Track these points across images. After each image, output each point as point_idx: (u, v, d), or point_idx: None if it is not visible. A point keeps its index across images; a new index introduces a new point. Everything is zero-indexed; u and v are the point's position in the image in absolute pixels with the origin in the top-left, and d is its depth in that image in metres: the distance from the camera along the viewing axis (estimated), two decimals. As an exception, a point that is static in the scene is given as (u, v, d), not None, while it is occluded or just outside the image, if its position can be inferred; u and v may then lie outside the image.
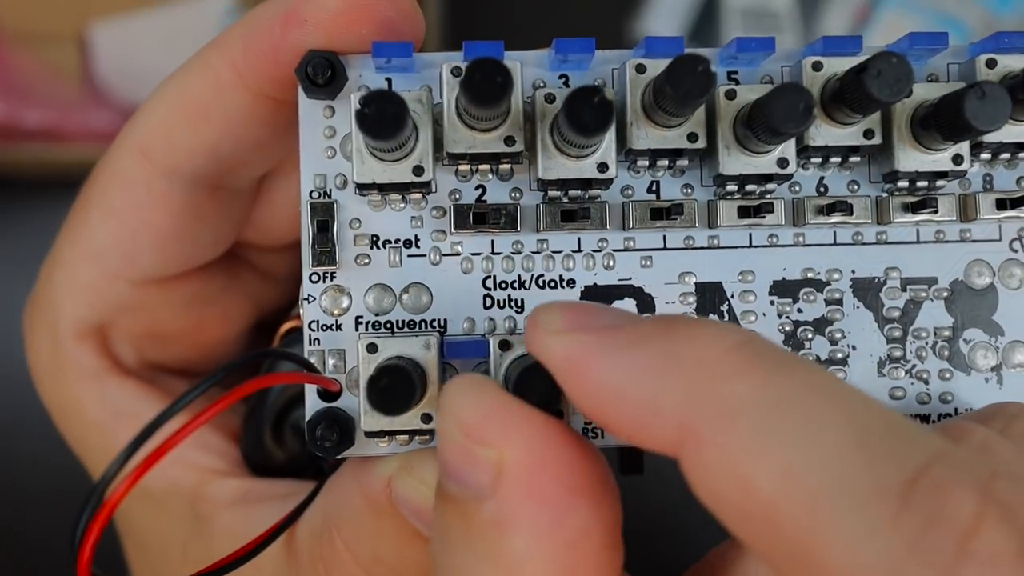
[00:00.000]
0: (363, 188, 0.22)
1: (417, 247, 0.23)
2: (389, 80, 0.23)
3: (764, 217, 0.23)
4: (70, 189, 0.28)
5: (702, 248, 0.24)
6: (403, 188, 0.22)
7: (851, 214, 0.23)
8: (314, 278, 0.23)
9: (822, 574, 0.15)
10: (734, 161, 0.22)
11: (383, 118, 0.19)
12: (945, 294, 0.24)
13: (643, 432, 0.17)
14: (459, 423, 0.18)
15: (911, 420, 0.16)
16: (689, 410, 0.16)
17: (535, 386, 0.19)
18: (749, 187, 0.23)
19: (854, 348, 0.24)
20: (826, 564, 0.15)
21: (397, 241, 0.23)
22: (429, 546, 0.20)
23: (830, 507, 0.15)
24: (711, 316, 0.23)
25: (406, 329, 0.23)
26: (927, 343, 0.24)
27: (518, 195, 0.23)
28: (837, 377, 0.17)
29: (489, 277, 0.23)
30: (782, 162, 0.22)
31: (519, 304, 0.23)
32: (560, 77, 0.23)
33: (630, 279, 0.23)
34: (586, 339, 0.18)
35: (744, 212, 0.23)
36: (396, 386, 0.20)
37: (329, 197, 0.23)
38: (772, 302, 0.24)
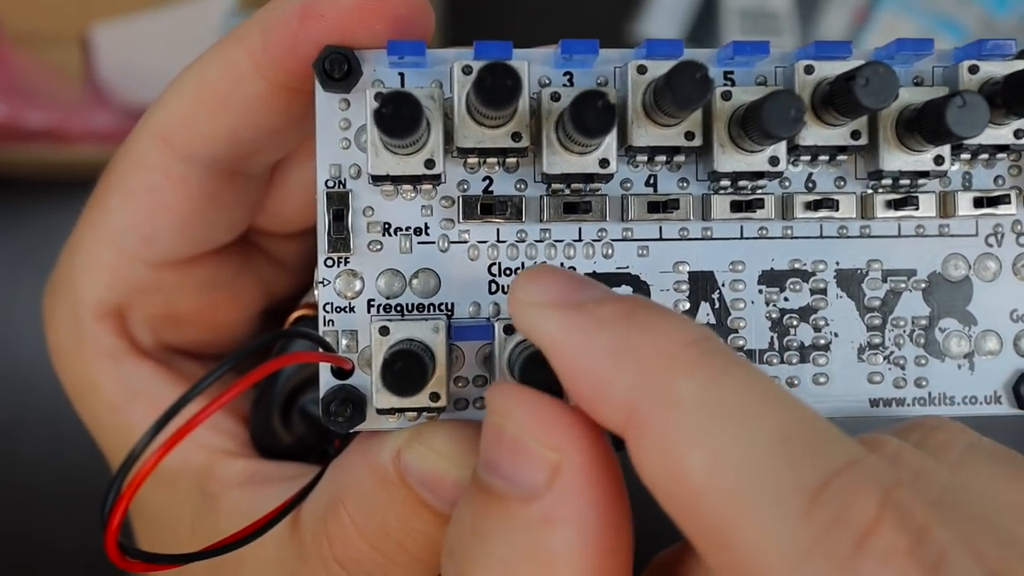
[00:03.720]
0: (377, 180, 0.23)
1: (427, 235, 0.24)
2: (402, 75, 0.24)
3: (755, 211, 0.24)
4: (72, 190, 0.29)
5: (696, 239, 0.25)
6: (415, 180, 0.23)
7: (837, 210, 0.25)
8: (329, 262, 0.24)
9: (736, 557, 0.16)
10: (728, 159, 0.24)
11: (400, 118, 0.21)
12: (923, 285, 0.25)
13: (596, 411, 0.18)
14: (520, 424, 0.19)
15: (835, 427, 0.18)
16: (636, 398, 0.18)
17: (543, 371, 0.20)
18: (742, 183, 0.24)
19: (836, 335, 0.25)
20: (739, 550, 0.16)
21: (408, 229, 0.24)
22: (449, 530, 0.21)
23: (748, 499, 0.16)
24: (703, 303, 0.25)
25: (415, 312, 0.24)
26: (905, 331, 0.25)
27: (523, 187, 0.24)
28: (776, 383, 0.18)
29: (494, 264, 0.25)
30: (773, 160, 0.24)
31: (522, 290, 0.25)
32: (565, 75, 0.24)
33: (628, 267, 0.25)
34: (553, 315, 0.19)
35: (736, 206, 0.24)
36: (410, 370, 0.21)
37: (344, 186, 0.24)
38: (760, 291, 0.25)
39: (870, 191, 0.25)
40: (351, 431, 0.24)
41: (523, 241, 0.25)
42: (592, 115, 0.21)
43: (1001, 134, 0.24)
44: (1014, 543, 0.17)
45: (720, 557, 0.17)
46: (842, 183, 0.25)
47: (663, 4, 0.62)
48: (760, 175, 0.24)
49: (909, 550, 0.16)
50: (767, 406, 0.17)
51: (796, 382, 0.25)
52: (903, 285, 0.25)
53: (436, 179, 0.23)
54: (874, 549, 0.16)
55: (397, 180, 0.23)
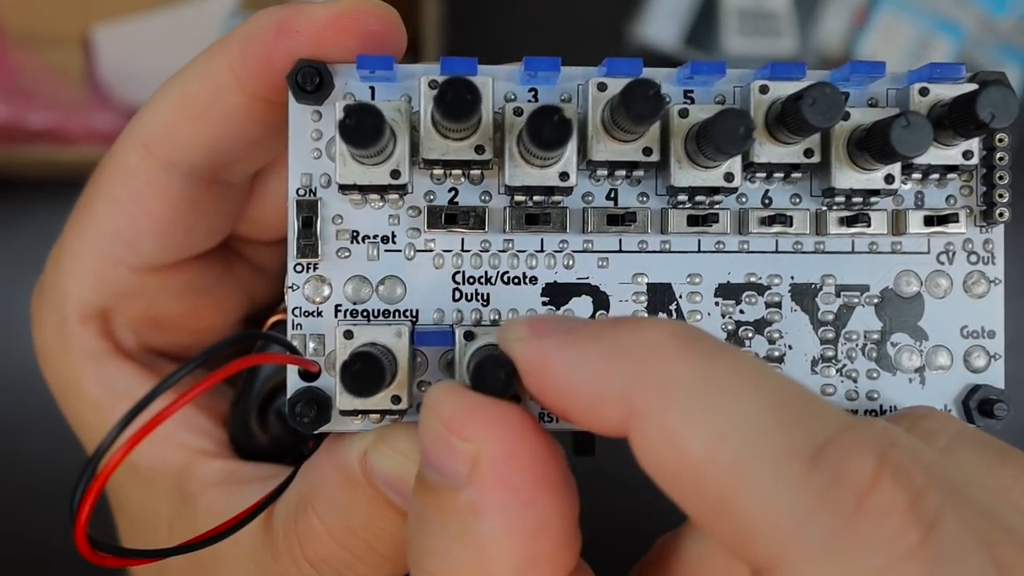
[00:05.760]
0: (345, 188, 0.24)
1: (393, 243, 0.25)
2: (372, 89, 0.25)
3: (711, 226, 0.25)
4: (73, 190, 0.29)
5: (654, 252, 0.26)
6: (382, 189, 0.24)
7: (791, 225, 0.25)
8: (298, 268, 0.25)
9: (740, 524, 0.17)
10: (685, 174, 0.24)
11: (363, 129, 0.22)
12: (875, 300, 0.26)
13: (596, 417, 0.19)
14: (441, 419, 0.20)
15: (825, 399, 0.18)
16: (632, 391, 0.18)
17: (491, 373, 0.21)
18: (699, 198, 0.25)
19: (790, 347, 0.26)
20: (743, 515, 0.17)
21: (375, 237, 0.25)
22: (406, 526, 0.22)
23: (747, 466, 0.17)
24: (660, 314, 0.26)
25: (381, 318, 0.25)
26: (857, 345, 0.26)
27: (487, 198, 0.25)
28: (762, 361, 0.19)
29: (458, 272, 0.25)
30: (728, 176, 0.24)
31: (485, 298, 0.25)
32: (530, 91, 0.25)
33: (588, 278, 0.26)
34: (544, 342, 0.20)
35: (693, 220, 0.25)
36: (367, 371, 0.22)
37: (314, 195, 0.25)
38: (717, 303, 0.26)
39: (824, 208, 0.26)
40: (315, 432, 0.25)
41: (487, 251, 0.25)
42: (548, 128, 0.22)
43: (950, 155, 0.25)
44: (998, 518, 0.18)
45: (725, 528, 0.18)
46: (797, 200, 0.26)
47: (663, 5, 0.62)
48: (716, 190, 0.25)
49: (908, 507, 0.16)
50: (757, 381, 0.18)
51: (751, 393, 0.26)
52: (856, 300, 0.26)
53: (402, 189, 0.24)
54: (874, 506, 0.16)
55: (364, 189, 0.24)
